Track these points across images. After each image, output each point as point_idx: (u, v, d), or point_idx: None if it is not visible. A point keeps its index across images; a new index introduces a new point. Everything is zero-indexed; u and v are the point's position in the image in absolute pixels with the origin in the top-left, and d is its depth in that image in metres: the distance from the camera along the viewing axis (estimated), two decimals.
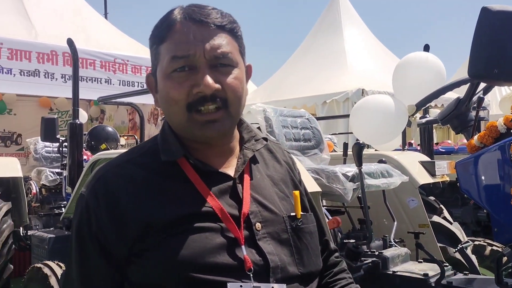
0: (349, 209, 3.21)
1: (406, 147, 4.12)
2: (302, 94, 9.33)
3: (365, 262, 2.56)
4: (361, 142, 2.52)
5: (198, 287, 0.85)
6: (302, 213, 1.01)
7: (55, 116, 4.77)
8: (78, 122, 3.68)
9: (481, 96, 2.28)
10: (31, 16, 6.88)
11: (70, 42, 3.71)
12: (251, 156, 1.02)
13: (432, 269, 2.54)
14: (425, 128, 4.39)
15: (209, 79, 0.91)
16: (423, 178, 3.19)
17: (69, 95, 3.73)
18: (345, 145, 3.49)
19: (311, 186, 2.36)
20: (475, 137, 2.22)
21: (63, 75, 6.47)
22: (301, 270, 0.96)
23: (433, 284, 2.37)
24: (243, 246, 0.90)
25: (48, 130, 4.27)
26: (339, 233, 2.76)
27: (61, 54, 6.39)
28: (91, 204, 0.93)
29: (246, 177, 0.99)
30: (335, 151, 4.59)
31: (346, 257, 2.50)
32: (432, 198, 3.62)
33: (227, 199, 0.95)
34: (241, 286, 0.85)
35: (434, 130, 10.02)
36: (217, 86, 0.92)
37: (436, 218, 3.28)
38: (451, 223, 3.36)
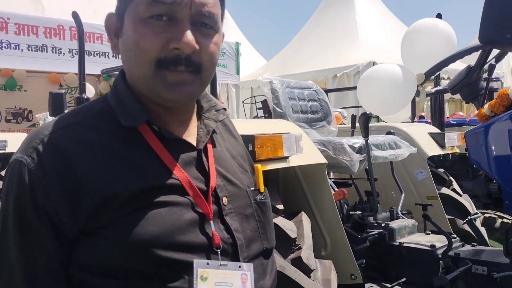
0: (357, 181, 3.19)
1: (416, 119, 4.05)
2: (312, 68, 9.22)
3: (371, 233, 2.55)
4: (368, 112, 2.47)
5: (163, 266, 0.77)
6: (264, 187, 0.96)
7: (63, 91, 4.76)
8: (85, 97, 3.66)
9: (493, 63, 2.20)
10: None
11: (75, 15, 3.66)
12: (214, 126, 0.94)
13: (439, 241, 2.52)
14: (436, 100, 4.31)
15: (190, 36, 0.80)
16: (432, 149, 3.14)
17: (77, 70, 3.70)
18: (353, 117, 3.43)
19: (317, 158, 2.33)
20: (486, 106, 2.16)
21: (71, 50, 6.45)
22: (266, 245, 0.93)
23: (440, 256, 2.35)
24: (211, 222, 0.83)
25: (56, 105, 4.26)
26: (345, 205, 2.75)
27: (68, 28, 6.35)
28: (35, 172, 0.78)
29: (210, 149, 0.91)
30: (344, 124, 4.53)
31: (351, 229, 2.49)
32: (441, 170, 3.57)
33: (192, 171, 0.86)
34: (208, 263, 0.80)
35: (446, 104, 9.90)
36: (197, 46, 0.82)
37: (445, 190, 3.24)
38: (460, 195, 3.33)
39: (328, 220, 2.33)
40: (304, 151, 2.24)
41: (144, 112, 0.85)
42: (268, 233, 0.94)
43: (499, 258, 2.20)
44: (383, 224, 2.65)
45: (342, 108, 6.71)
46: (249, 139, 1.96)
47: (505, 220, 3.68)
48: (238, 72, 8.29)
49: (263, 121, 2.78)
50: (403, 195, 2.98)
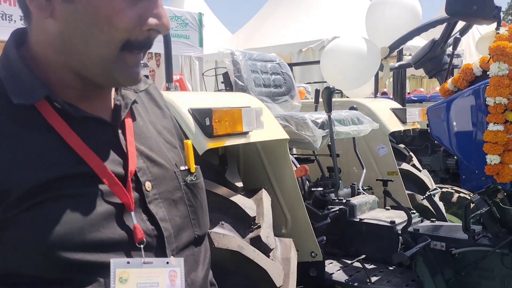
0: (320, 157, 3.15)
1: (379, 95, 4.03)
2: (277, 43, 9.10)
3: (332, 210, 2.52)
4: (331, 86, 2.39)
5: (72, 270, 0.66)
6: (195, 166, 0.86)
7: None
8: None
9: (458, 36, 2.16)
10: None
11: None
12: (135, 98, 0.81)
13: (399, 217, 2.52)
14: (398, 76, 4.30)
15: (165, 13, 0.70)
16: (394, 125, 3.13)
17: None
18: (317, 92, 3.36)
19: (279, 133, 2.25)
20: (449, 80, 2.13)
21: (22, 17, 6.04)
22: (198, 232, 0.83)
23: (400, 232, 2.35)
24: (132, 213, 0.72)
25: None
26: (307, 182, 2.69)
27: None
28: None
29: (129, 124, 0.78)
30: (307, 99, 4.47)
31: (313, 205, 2.45)
32: (402, 145, 3.58)
33: (107, 153, 0.73)
34: (128, 262, 0.69)
35: (407, 80, 10.04)
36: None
37: (405, 166, 3.25)
38: (420, 171, 3.35)
39: (289, 197, 2.28)
40: (266, 126, 2.15)
41: (42, 86, 0.69)
42: (200, 218, 0.85)
43: (458, 233, 2.21)
44: (344, 201, 2.63)
45: (306, 83, 6.64)
46: (206, 113, 1.85)
47: (461, 194, 3.75)
48: (201, 44, 8.05)
49: (222, 94, 2.67)
50: (364, 171, 2.96)
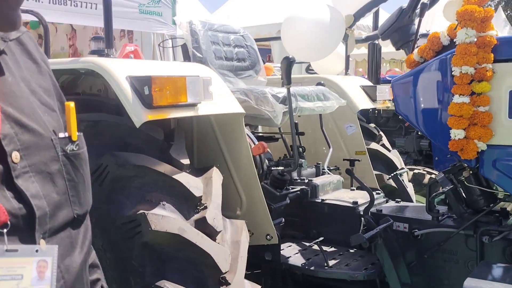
0: (286, 136, 2.99)
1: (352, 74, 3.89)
2: (255, 23, 8.86)
3: (292, 190, 2.37)
4: (291, 56, 2.22)
5: None
6: (78, 133, 0.72)
7: None
8: None
9: (425, 2, 2.00)
10: None
11: None
12: (3, 47, 0.67)
13: (363, 197, 2.39)
14: (373, 55, 4.15)
15: None
16: (363, 103, 2.97)
17: None
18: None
19: (233, 107, 2.07)
20: (415, 51, 1.98)
21: None
22: (77, 211, 0.71)
23: (362, 212, 2.22)
24: None
25: None
26: (266, 160, 2.53)
27: None
28: None
29: None
30: (275, 75, 4.28)
31: (271, 185, 2.29)
32: (372, 125, 3.44)
33: None
34: None
35: (388, 64, 9.90)
36: None
37: (373, 145, 3.12)
38: (389, 151, 3.22)
39: (244, 176, 2.12)
40: (219, 99, 1.97)
41: None
42: (81, 194, 0.73)
43: (422, 214, 2.09)
44: (306, 181, 2.48)
45: None
46: (145, 81, 1.66)
47: (433, 176, 3.65)
48: (174, 22, 7.77)
49: (168, 63, 2.47)
50: (330, 150, 2.82)
